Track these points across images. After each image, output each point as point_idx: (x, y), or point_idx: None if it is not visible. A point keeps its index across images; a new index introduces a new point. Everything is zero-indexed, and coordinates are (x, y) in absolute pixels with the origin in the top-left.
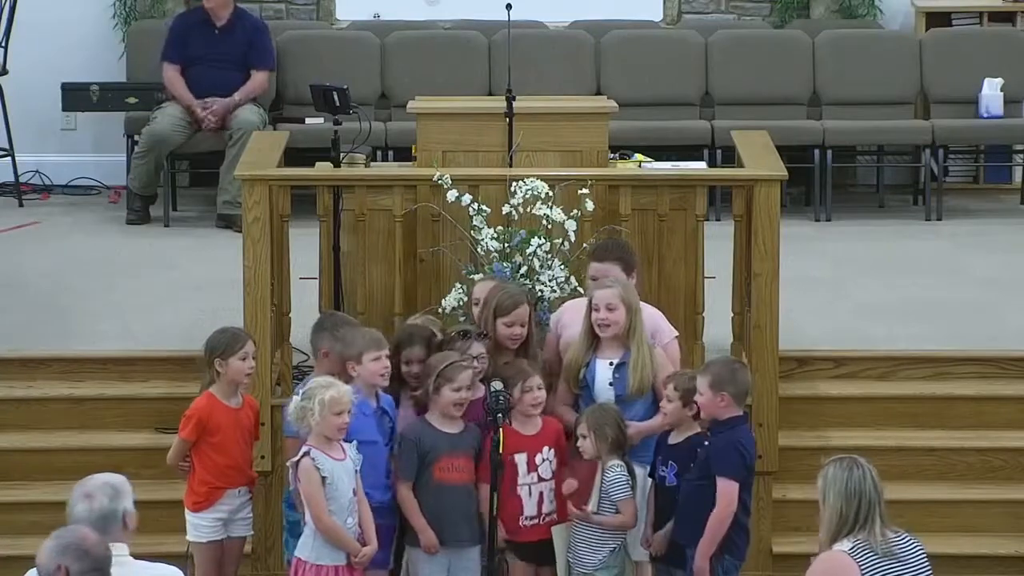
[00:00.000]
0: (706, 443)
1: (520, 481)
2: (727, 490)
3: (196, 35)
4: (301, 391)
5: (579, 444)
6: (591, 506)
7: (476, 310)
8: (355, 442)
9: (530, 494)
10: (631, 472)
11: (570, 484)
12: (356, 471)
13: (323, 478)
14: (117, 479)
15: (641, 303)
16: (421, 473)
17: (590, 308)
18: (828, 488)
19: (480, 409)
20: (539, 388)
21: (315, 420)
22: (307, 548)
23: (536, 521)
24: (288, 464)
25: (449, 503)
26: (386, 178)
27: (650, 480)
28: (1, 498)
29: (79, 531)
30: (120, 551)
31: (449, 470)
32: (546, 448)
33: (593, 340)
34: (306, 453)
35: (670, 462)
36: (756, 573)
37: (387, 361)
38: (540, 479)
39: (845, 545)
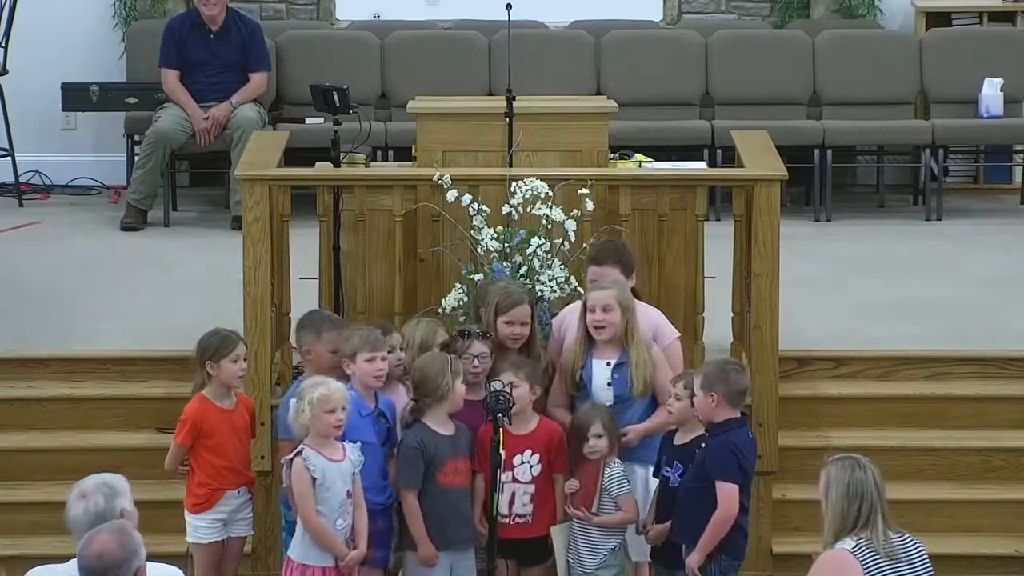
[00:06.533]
0: (703, 445)
1: None
2: (727, 493)
3: (192, 39)
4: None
5: (592, 444)
6: (595, 507)
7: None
8: (359, 443)
9: (501, 492)
10: None
11: (572, 484)
12: (355, 473)
13: (313, 479)
14: (113, 478)
15: (642, 304)
16: (425, 479)
17: (585, 310)
18: (830, 488)
19: (479, 411)
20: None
21: (307, 420)
22: (296, 547)
23: (506, 521)
24: (282, 462)
25: (451, 506)
26: (386, 178)
27: (655, 479)
28: (1, 498)
29: (96, 543)
30: None
31: (452, 474)
32: (529, 452)
33: (589, 341)
34: (299, 452)
35: (675, 463)
36: (756, 573)
37: (381, 363)
38: (515, 480)
39: (848, 543)
